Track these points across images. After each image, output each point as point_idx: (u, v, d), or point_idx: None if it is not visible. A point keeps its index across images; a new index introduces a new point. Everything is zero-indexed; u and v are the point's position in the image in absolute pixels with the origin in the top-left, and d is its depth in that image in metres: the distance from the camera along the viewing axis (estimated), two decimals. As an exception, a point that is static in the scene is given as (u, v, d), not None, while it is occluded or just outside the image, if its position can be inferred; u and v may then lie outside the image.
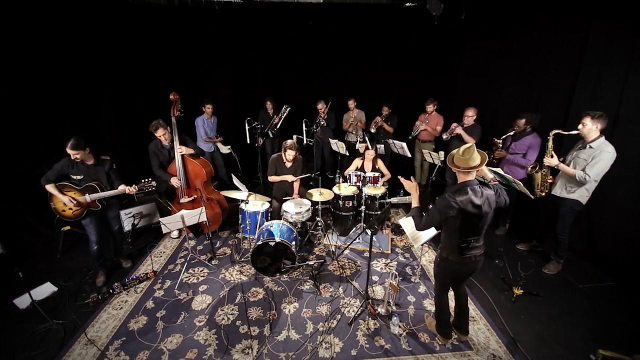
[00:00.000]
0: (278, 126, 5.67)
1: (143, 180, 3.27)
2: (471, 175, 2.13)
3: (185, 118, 3.90)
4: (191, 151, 3.83)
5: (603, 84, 3.40)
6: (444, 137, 4.80)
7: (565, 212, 3.27)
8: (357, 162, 4.53)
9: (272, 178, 4.21)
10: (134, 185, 3.19)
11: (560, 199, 3.27)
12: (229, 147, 5.61)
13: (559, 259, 3.52)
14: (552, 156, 3.20)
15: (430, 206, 4.32)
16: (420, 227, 2.27)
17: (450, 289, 2.59)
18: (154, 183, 3.32)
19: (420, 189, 6.09)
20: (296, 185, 4.22)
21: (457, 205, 2.06)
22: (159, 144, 3.82)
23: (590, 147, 3.01)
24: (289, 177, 4.11)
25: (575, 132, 3.06)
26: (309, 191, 4.06)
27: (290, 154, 3.99)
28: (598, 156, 2.95)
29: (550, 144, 3.21)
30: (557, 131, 3.19)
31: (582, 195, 3.17)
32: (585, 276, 3.47)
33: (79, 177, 3.10)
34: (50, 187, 3.02)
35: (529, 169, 3.48)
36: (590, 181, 3.00)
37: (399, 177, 2.70)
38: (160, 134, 3.69)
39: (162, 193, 4.31)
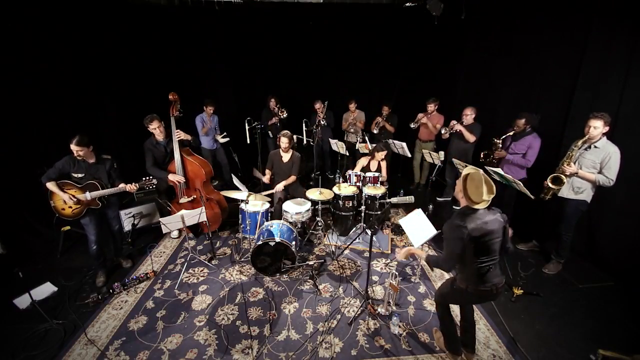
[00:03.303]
0: (283, 115, 5.59)
1: (144, 179, 3.29)
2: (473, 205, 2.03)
3: (185, 118, 3.90)
4: (188, 137, 3.83)
5: (603, 84, 3.39)
6: (443, 131, 4.80)
7: (571, 212, 3.26)
8: (363, 161, 4.53)
9: (267, 171, 4.30)
10: (134, 183, 3.20)
11: (565, 200, 3.26)
12: (224, 134, 5.55)
13: (560, 259, 3.52)
14: (569, 165, 3.14)
15: (431, 207, 4.31)
16: (442, 263, 2.21)
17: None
18: (154, 181, 3.33)
19: (420, 189, 6.10)
20: (280, 185, 4.16)
21: (466, 229, 1.96)
22: (154, 141, 3.82)
23: (596, 147, 3.02)
24: (279, 187, 4.15)
25: (587, 136, 3.02)
26: (308, 191, 4.07)
27: (283, 142, 4.07)
28: (608, 157, 2.95)
29: (574, 153, 3.12)
30: (582, 140, 3.06)
31: (589, 194, 3.17)
32: (585, 276, 3.47)
33: (79, 176, 3.11)
34: (51, 185, 3.03)
35: (549, 184, 3.24)
36: (613, 183, 2.97)
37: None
38: (155, 126, 3.69)
39: (162, 193, 4.31)
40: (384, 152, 4.34)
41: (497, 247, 2.09)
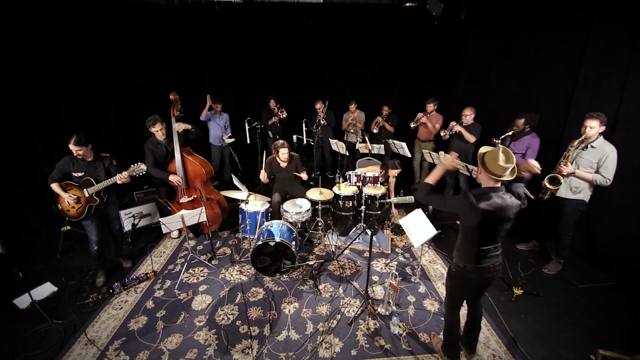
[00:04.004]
0: (283, 115, 5.57)
1: (132, 165, 3.18)
2: (499, 182, 1.97)
3: (185, 118, 3.90)
4: (188, 126, 3.81)
5: (603, 84, 3.39)
6: (442, 134, 4.81)
7: (569, 213, 3.26)
8: (372, 170, 4.48)
9: (262, 172, 4.19)
10: (124, 172, 3.13)
11: (564, 200, 3.26)
12: (229, 135, 5.57)
13: (560, 259, 3.52)
14: (566, 164, 3.14)
15: (431, 207, 4.30)
16: (426, 199, 2.16)
17: (465, 304, 2.46)
18: (143, 167, 3.21)
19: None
20: (303, 176, 4.17)
21: (479, 210, 1.89)
22: (154, 141, 3.82)
23: (593, 147, 3.02)
24: (304, 176, 4.13)
25: (584, 136, 3.02)
26: (308, 191, 4.06)
27: (283, 153, 3.97)
28: (605, 157, 2.95)
29: (571, 153, 3.13)
30: (580, 139, 3.06)
31: (586, 194, 3.17)
32: (585, 276, 3.47)
33: (79, 174, 3.13)
34: (54, 187, 3.08)
35: (547, 184, 3.26)
36: (610, 182, 2.97)
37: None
38: (158, 128, 3.69)
39: (162, 193, 4.31)
40: (398, 171, 4.25)
41: (503, 234, 2.07)
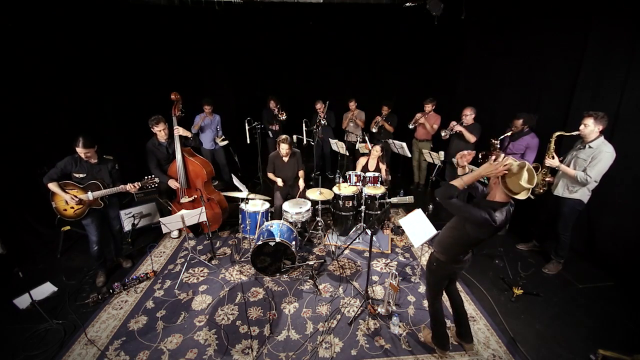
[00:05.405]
0: (283, 117, 5.63)
1: (146, 177, 3.27)
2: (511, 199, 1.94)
3: (186, 118, 3.90)
4: (188, 134, 3.82)
5: (603, 84, 3.39)
6: (443, 134, 4.81)
7: (567, 212, 3.26)
8: (362, 161, 4.54)
9: (270, 175, 4.30)
10: (136, 183, 3.20)
11: (562, 199, 3.26)
12: (223, 137, 5.56)
13: (560, 259, 3.52)
14: (552, 157, 3.20)
15: (431, 207, 4.31)
16: (445, 202, 2.01)
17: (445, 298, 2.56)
18: (156, 180, 3.32)
19: (420, 189, 6.09)
20: (301, 184, 4.26)
21: (495, 227, 1.92)
22: (156, 142, 3.82)
23: (590, 147, 3.02)
24: (302, 184, 4.23)
25: (576, 132, 3.05)
26: (308, 191, 4.07)
27: (283, 148, 4.04)
28: (597, 156, 2.94)
29: (552, 145, 3.20)
30: (559, 133, 3.16)
31: (584, 194, 3.17)
32: (585, 276, 3.46)
33: (81, 176, 3.11)
34: (52, 186, 3.03)
35: None
36: (591, 182, 2.99)
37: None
38: (161, 128, 3.70)
39: (163, 193, 4.31)
40: (379, 147, 4.36)
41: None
